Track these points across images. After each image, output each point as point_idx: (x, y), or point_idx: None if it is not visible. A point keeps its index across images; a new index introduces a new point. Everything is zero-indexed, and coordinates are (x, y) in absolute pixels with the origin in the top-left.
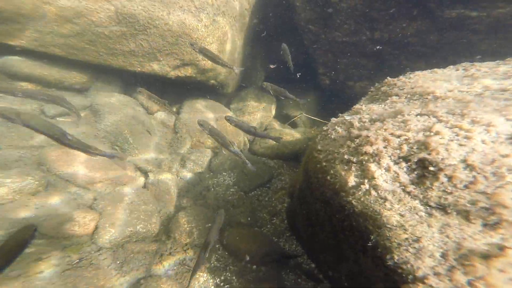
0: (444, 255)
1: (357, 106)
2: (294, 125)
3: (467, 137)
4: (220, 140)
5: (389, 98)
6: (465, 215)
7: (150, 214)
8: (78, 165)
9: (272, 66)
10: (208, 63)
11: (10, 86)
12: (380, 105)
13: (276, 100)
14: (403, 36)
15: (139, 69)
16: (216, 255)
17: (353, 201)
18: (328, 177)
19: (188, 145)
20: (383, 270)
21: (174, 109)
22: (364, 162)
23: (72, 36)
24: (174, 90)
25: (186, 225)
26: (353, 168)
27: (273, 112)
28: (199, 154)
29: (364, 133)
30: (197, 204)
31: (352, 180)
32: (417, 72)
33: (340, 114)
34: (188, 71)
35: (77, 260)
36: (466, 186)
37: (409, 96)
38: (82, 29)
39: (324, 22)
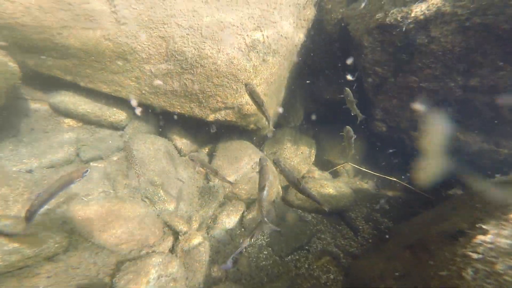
0: None
1: None
2: (335, 174)
3: None
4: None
5: None
6: None
7: None
8: (104, 224)
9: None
10: (251, 108)
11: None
12: None
13: (316, 144)
14: None
15: (178, 110)
16: None
17: None
18: None
19: (220, 196)
20: None
21: (206, 150)
22: None
23: (121, 72)
24: (206, 129)
25: None
26: None
27: (313, 157)
28: (232, 208)
29: None
30: (228, 276)
31: None
32: None
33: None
34: (229, 115)
35: None
36: None
37: None
38: (131, 66)
39: (397, 65)
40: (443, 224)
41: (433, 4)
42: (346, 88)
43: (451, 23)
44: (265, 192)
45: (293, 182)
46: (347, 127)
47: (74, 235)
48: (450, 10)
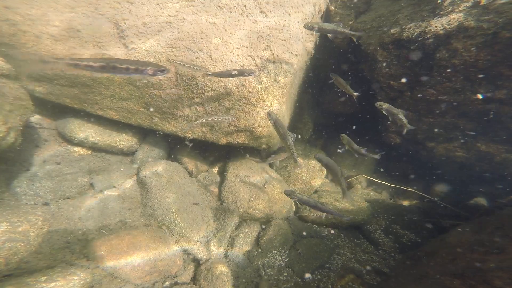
0: None
1: None
2: (348, 186)
3: None
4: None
5: None
6: None
7: None
8: (127, 257)
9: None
10: (264, 130)
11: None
12: None
13: (326, 156)
14: None
15: (190, 135)
16: None
17: None
18: None
19: (235, 218)
20: None
21: (216, 169)
22: None
23: (130, 99)
24: (215, 146)
25: None
26: None
27: (324, 170)
28: (248, 229)
29: None
30: None
31: None
32: None
33: None
34: (241, 138)
35: None
36: None
37: None
38: (141, 92)
39: (414, 78)
40: (502, 255)
41: (454, 18)
42: (333, 74)
43: (475, 38)
44: (291, 139)
45: (315, 206)
46: (332, 74)
47: (97, 270)
48: (474, 24)
